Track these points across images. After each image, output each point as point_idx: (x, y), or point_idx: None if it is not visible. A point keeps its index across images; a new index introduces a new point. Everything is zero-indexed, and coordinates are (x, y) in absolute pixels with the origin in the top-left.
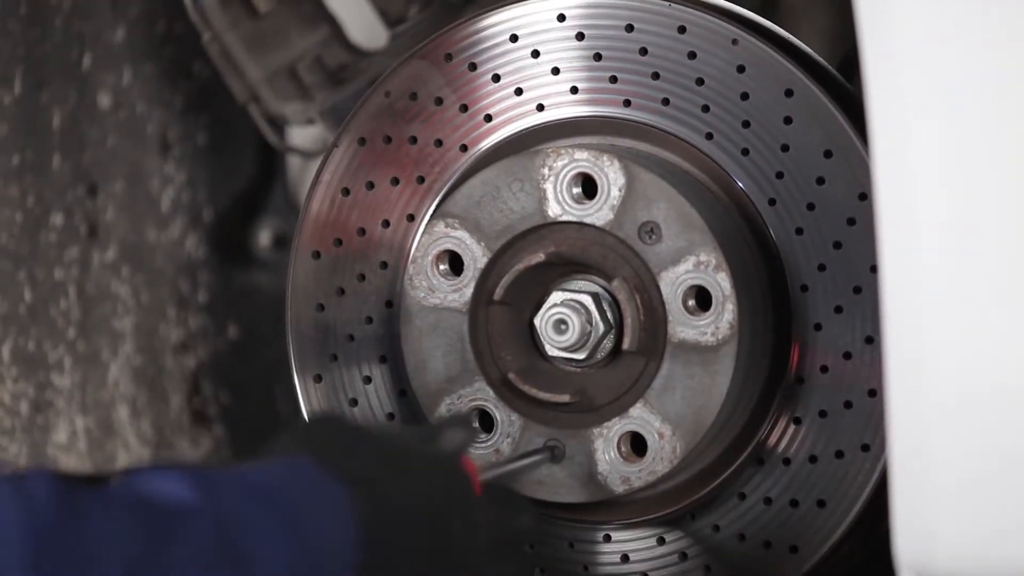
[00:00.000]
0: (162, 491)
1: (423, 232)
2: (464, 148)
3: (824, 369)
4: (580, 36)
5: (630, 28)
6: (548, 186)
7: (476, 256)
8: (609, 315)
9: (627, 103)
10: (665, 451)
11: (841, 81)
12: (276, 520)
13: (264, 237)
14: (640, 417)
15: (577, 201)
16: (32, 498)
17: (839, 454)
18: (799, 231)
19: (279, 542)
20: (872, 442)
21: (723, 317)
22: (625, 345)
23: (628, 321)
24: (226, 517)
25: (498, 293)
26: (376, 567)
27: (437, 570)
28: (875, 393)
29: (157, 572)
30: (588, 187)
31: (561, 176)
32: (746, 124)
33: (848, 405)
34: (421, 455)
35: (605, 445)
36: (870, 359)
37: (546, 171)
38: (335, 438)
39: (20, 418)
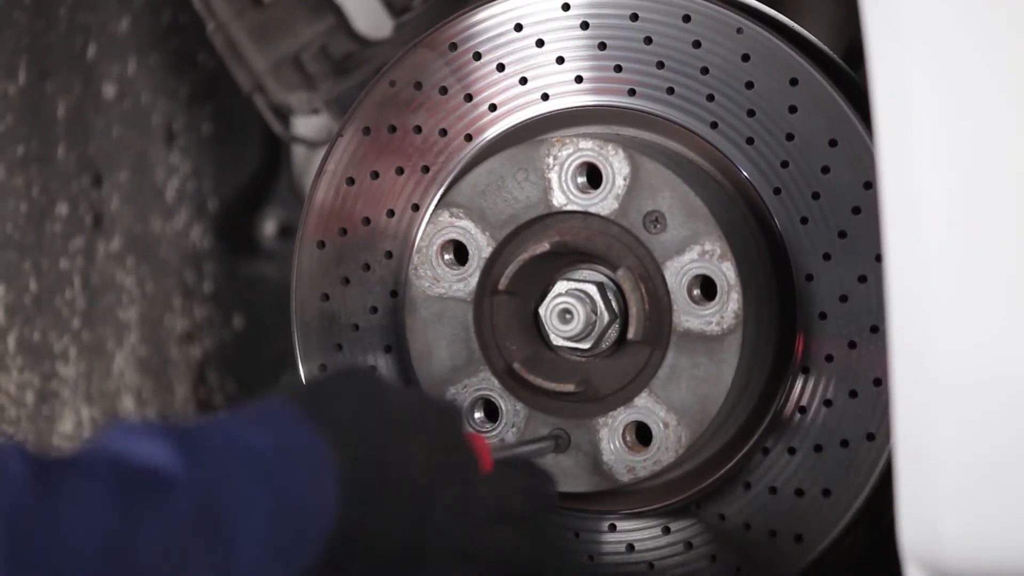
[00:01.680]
0: (140, 457)
1: (428, 222)
2: (469, 137)
3: (829, 358)
4: (585, 25)
5: (635, 17)
6: (553, 175)
7: (481, 246)
8: (614, 304)
9: (632, 92)
10: (670, 440)
11: (846, 69)
12: (257, 496)
13: (269, 227)
14: (645, 407)
15: (582, 190)
16: (5, 477)
17: (844, 443)
18: (804, 220)
19: (258, 519)
20: (877, 431)
21: (728, 306)
22: (630, 335)
23: (633, 310)
24: (204, 489)
25: (503, 283)
26: (353, 533)
27: (419, 539)
28: (880, 382)
29: (132, 548)
30: (593, 176)
31: (566, 165)
32: (751, 113)
33: (853, 394)
34: (425, 423)
35: (610, 435)
36: (875, 348)
37: (551, 160)
38: (343, 396)
39: (26, 408)
